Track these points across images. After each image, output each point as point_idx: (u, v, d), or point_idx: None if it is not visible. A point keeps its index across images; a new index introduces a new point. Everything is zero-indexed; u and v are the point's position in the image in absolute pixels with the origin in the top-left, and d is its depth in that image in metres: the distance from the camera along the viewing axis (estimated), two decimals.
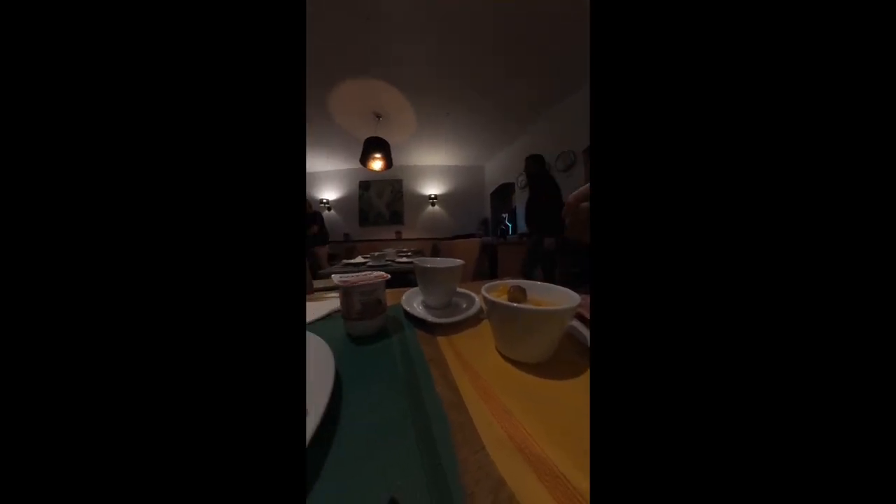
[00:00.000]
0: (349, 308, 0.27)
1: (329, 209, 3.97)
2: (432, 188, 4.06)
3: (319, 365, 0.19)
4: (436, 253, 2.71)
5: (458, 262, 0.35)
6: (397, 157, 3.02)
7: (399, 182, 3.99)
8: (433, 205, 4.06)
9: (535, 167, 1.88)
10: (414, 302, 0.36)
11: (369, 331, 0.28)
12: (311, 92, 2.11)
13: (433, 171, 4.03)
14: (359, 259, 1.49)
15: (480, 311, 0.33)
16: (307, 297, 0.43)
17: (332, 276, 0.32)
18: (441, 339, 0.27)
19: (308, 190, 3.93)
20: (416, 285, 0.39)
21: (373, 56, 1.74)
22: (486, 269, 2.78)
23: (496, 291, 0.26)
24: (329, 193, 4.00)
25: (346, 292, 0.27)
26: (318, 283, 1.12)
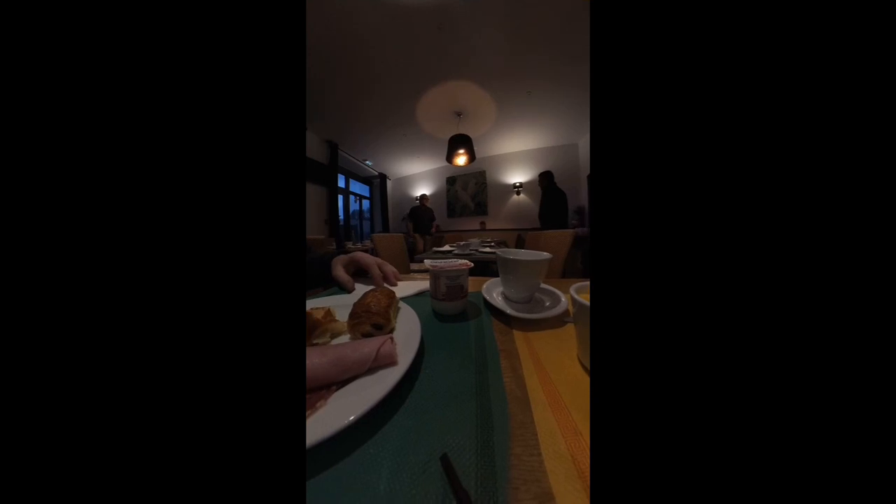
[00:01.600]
0: (436, 289, 0.32)
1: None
2: (517, 176, 3.81)
3: (410, 330, 0.24)
4: (520, 244, 2.56)
5: (545, 255, 0.33)
6: (479, 148, 3.01)
7: (482, 173, 3.99)
8: (518, 193, 3.81)
9: (546, 181, 2.64)
10: (494, 292, 0.37)
11: (451, 311, 0.32)
12: (402, 106, 2.49)
13: (517, 158, 3.76)
14: (446, 248, 1.64)
15: (566, 313, 0.30)
16: (406, 276, 0.53)
17: (425, 261, 0.38)
18: (517, 333, 0.27)
19: (407, 190, 4.68)
20: (497, 275, 0.39)
21: (451, 56, 1.79)
22: (579, 265, 2.35)
23: (588, 293, 0.23)
24: (422, 191, 4.56)
25: (435, 276, 0.32)
26: (413, 266, 1.34)
